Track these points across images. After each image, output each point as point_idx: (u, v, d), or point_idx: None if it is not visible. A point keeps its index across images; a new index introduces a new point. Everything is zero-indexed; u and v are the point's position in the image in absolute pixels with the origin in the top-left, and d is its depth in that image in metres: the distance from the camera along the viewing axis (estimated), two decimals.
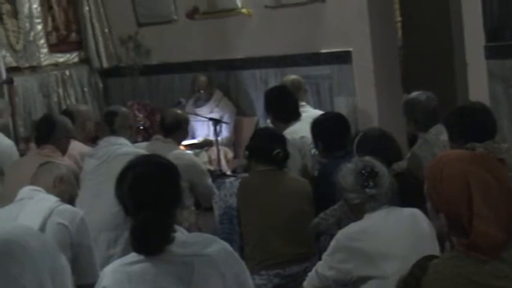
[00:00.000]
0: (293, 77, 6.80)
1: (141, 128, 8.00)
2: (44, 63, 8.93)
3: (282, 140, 4.93)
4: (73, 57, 9.25)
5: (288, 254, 4.66)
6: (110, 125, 5.67)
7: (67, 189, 4.13)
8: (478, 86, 6.09)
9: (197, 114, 7.42)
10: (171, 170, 2.97)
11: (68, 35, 9.21)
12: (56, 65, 9.07)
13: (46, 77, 8.94)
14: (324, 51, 7.29)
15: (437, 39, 8.08)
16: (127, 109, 6.37)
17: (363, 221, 3.71)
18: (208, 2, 8.16)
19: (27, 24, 8.76)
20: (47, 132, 5.46)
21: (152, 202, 2.82)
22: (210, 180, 5.91)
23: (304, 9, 7.31)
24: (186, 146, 6.95)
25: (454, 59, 7.80)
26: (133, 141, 6.45)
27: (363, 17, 6.93)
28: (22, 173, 4.70)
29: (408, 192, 3.82)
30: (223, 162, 6.88)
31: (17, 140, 7.75)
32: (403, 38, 8.56)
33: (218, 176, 6.39)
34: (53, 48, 9.04)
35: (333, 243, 3.74)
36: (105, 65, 9.26)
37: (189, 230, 4.98)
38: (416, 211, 3.70)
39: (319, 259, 3.89)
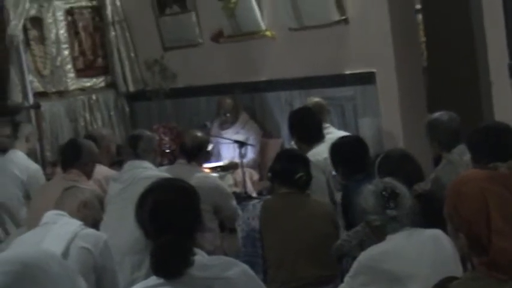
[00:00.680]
0: (316, 99, 6.81)
1: (167, 151, 8.03)
2: (71, 88, 9.03)
3: (305, 162, 4.94)
4: (99, 81, 9.33)
5: (310, 277, 4.65)
6: (134, 148, 5.69)
7: (91, 214, 4.17)
8: (503, 105, 6.06)
9: (222, 137, 7.45)
10: (190, 193, 2.99)
11: (94, 59, 9.30)
12: (83, 89, 9.16)
13: (73, 101, 9.03)
14: (348, 72, 7.28)
15: (462, 58, 8.05)
16: (151, 133, 6.39)
17: (384, 243, 3.70)
18: (232, 25, 8.19)
19: (54, 50, 8.87)
20: (72, 156, 5.50)
21: (172, 226, 2.84)
22: (234, 202, 5.92)
23: (328, 31, 7.31)
24: (211, 168, 6.98)
25: (479, 78, 7.77)
26: (159, 165, 6.49)
27: (386, 38, 6.92)
28: (47, 197, 4.75)
29: (431, 213, 3.80)
30: (248, 184, 6.88)
31: (43, 164, 7.84)
32: (428, 58, 8.54)
33: (243, 198, 6.40)
34: (80, 73, 9.14)
35: (355, 265, 3.73)
36: (132, 89, 9.33)
37: (214, 253, 5.04)
38: (438, 232, 3.68)
39: (342, 281, 3.88)
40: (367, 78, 7.11)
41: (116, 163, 6.45)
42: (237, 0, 7.92)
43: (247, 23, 8.02)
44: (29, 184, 6.43)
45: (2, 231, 6.42)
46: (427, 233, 3.73)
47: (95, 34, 9.33)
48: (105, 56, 9.37)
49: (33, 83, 8.64)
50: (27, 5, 8.43)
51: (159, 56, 8.87)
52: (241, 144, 6.85)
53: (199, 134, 6.11)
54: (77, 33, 9.15)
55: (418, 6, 8.33)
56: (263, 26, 7.93)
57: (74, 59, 9.08)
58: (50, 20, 8.87)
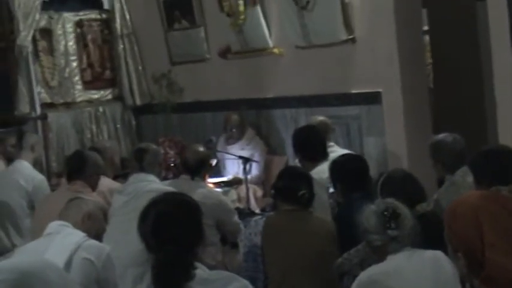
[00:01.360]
0: (320, 118, 6.82)
1: (172, 165, 8.06)
2: (78, 99, 9.09)
3: (308, 180, 4.95)
4: (107, 94, 9.39)
5: None
6: (139, 161, 5.72)
7: (94, 225, 4.19)
8: (508, 127, 6.06)
9: (227, 153, 7.47)
10: (192, 208, 3.01)
11: (102, 72, 9.36)
12: (90, 101, 9.22)
13: (80, 113, 9.09)
14: (354, 91, 7.29)
15: (468, 80, 8.07)
16: (157, 146, 6.41)
17: (385, 263, 3.71)
18: (240, 42, 8.23)
19: (63, 61, 8.93)
20: (77, 168, 5.52)
21: (173, 240, 2.87)
22: (237, 217, 5.93)
23: (335, 50, 7.33)
24: (215, 183, 7.00)
25: (484, 99, 7.79)
26: (164, 178, 6.51)
27: (393, 58, 6.94)
28: (51, 208, 4.77)
29: (432, 234, 3.81)
30: (252, 200, 6.90)
31: (49, 175, 7.88)
32: (434, 79, 8.57)
33: (246, 214, 6.41)
34: (87, 85, 9.19)
35: (355, 283, 3.74)
36: (138, 102, 9.38)
37: (215, 267, 5.04)
38: (439, 253, 3.68)
39: None
40: (373, 98, 7.12)
41: (121, 176, 6.48)
42: (245, 16, 7.96)
43: (255, 40, 8.06)
44: (33, 194, 6.46)
45: (8, 241, 6.42)
46: (428, 254, 3.73)
47: (103, 47, 9.39)
48: (113, 69, 9.42)
49: (41, 94, 8.70)
50: (37, 16, 8.50)
51: (167, 70, 8.90)
52: (246, 160, 6.88)
53: (200, 148, 6.09)
54: (85, 45, 9.21)
55: (426, 28, 8.37)
56: (271, 43, 7.97)
57: (82, 71, 9.14)
58: (59, 32, 8.93)
